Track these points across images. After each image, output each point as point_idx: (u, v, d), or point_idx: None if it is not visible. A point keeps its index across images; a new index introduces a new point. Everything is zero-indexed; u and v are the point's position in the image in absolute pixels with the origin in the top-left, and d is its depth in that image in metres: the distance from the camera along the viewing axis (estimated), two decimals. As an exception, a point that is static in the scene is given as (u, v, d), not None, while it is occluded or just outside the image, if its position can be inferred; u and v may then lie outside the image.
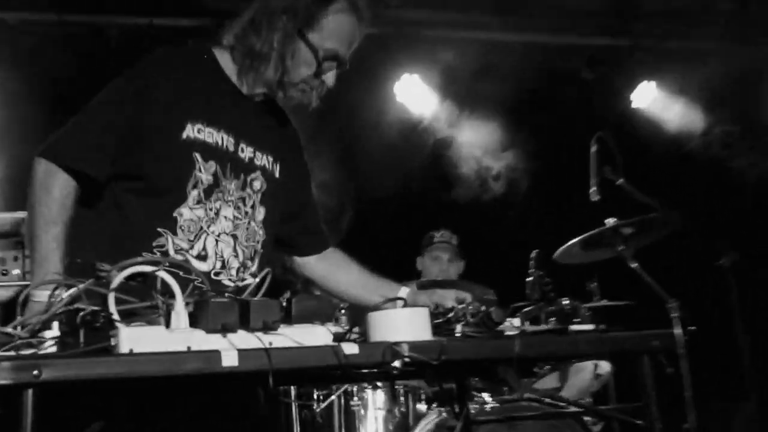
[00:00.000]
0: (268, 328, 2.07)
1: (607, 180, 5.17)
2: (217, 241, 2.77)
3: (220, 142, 2.81)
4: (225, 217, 2.80)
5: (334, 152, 6.55)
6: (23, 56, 6.27)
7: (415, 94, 7.30)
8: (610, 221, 5.16)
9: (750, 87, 7.76)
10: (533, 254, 4.93)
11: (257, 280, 2.32)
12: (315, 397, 4.83)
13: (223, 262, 2.78)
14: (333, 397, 4.76)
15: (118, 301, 2.08)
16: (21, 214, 3.83)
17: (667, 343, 2.60)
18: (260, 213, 2.91)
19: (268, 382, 1.98)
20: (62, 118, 2.79)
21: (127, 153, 2.71)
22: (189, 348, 1.98)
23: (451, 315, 2.49)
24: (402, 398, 4.86)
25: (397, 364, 2.14)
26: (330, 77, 2.87)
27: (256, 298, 2.13)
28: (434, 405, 4.92)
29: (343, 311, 2.51)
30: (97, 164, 2.70)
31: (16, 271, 3.70)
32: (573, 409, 4.47)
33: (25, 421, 1.76)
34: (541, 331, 2.59)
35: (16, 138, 6.21)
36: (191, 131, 2.75)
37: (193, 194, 2.73)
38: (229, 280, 2.78)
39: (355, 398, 4.77)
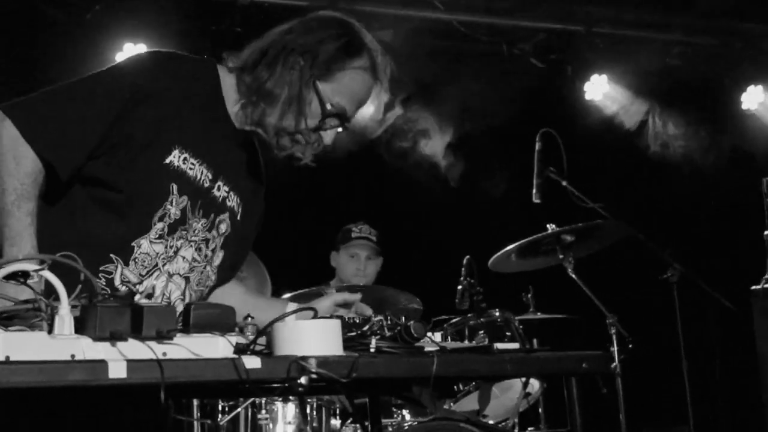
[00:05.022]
0: (162, 337, 2.08)
1: (550, 181, 5.28)
2: (168, 281, 2.80)
3: (198, 177, 2.83)
4: (183, 258, 2.83)
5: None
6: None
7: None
8: (551, 227, 5.25)
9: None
10: (465, 260, 5.02)
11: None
12: (219, 408, 4.84)
13: (168, 303, 2.78)
14: (239, 409, 4.78)
15: (-5, 302, 2.08)
16: None
17: (598, 365, 2.65)
18: (218, 257, 2.95)
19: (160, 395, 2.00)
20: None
21: (106, 156, 2.71)
22: (73, 357, 1.98)
23: (366, 328, 2.52)
24: (315, 413, 4.89)
25: (303, 380, 2.17)
26: (329, 135, 2.88)
27: (149, 303, 2.15)
28: (349, 421, 4.97)
29: (250, 319, 2.52)
30: (69, 162, 2.67)
31: None
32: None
33: None
34: (463, 349, 2.63)
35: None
36: (176, 158, 2.78)
37: (158, 227, 2.76)
38: None
39: (264, 411, 4.80)
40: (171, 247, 2.79)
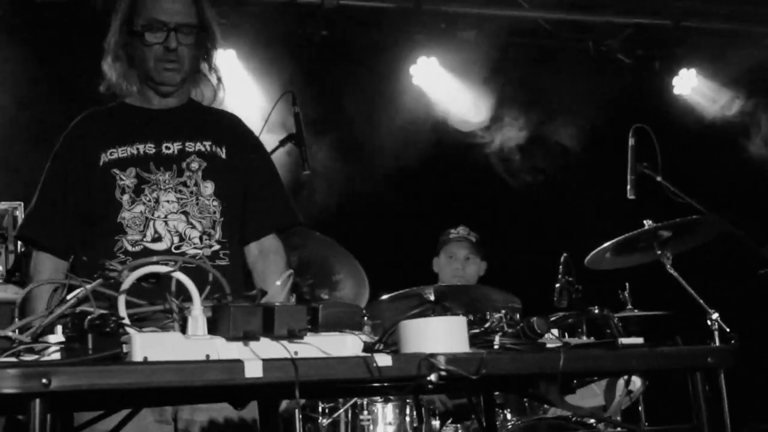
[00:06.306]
0: (293, 336, 2.08)
1: (645, 176, 5.19)
2: (165, 221, 3.22)
3: (135, 152, 3.28)
4: (167, 202, 3.24)
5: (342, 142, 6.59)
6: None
7: (433, 79, 7.29)
8: (648, 223, 5.16)
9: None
10: (562, 258, 4.96)
11: (278, 283, 2.34)
12: (320, 410, 4.84)
13: (180, 236, 3.22)
14: (341, 410, 4.77)
15: (127, 305, 2.10)
16: (4, 204, 3.85)
17: (723, 359, 2.60)
18: (208, 187, 3.31)
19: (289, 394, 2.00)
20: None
21: (79, 209, 3.27)
22: (208, 357, 1.98)
23: (488, 324, 2.48)
24: (414, 413, 4.86)
25: (433, 377, 2.15)
26: (171, 41, 3.25)
27: (280, 303, 2.14)
28: (449, 421, 4.94)
29: (366, 317, 2.50)
30: (56, 240, 3.29)
31: (-1, 269, 3.69)
32: (612, 430, 4.49)
33: (33, 430, 1.78)
34: (587, 344, 2.59)
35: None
36: (105, 158, 3.27)
37: (125, 199, 3.23)
38: (194, 248, 3.20)
39: (365, 412, 4.78)
40: (149, 201, 3.22)
